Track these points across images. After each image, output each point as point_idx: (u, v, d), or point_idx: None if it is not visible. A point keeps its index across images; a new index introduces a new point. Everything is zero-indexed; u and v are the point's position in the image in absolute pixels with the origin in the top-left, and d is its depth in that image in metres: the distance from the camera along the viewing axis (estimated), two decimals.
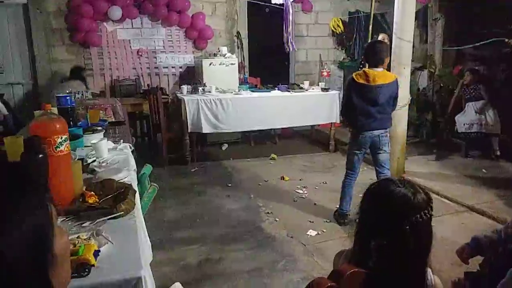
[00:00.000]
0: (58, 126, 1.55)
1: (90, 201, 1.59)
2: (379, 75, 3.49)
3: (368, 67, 3.57)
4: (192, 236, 3.60)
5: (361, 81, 3.54)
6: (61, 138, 1.53)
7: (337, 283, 1.10)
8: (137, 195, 1.80)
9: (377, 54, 3.52)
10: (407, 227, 1.13)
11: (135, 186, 1.90)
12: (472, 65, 6.77)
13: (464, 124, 5.77)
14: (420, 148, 6.30)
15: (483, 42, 5.35)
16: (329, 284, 1.09)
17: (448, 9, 7.19)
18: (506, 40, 4.12)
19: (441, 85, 6.83)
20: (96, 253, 1.28)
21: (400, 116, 4.79)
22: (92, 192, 1.64)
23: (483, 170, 5.26)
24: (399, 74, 4.28)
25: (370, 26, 6.20)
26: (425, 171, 5.29)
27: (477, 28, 7.03)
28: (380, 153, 3.71)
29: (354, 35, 7.96)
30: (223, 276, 3.00)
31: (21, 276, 0.60)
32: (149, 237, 3.38)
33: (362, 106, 3.59)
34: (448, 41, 7.22)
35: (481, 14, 7.30)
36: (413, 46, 7.10)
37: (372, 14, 5.97)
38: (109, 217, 1.54)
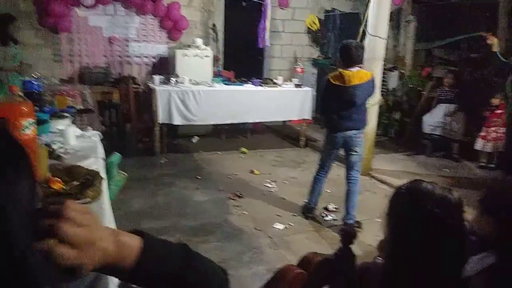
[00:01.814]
0: (24, 108, 1.51)
1: (55, 187, 1.56)
2: (354, 75, 3.47)
3: (343, 68, 3.54)
4: (159, 227, 3.58)
5: (337, 82, 3.52)
6: (28, 121, 1.49)
7: (306, 270, 1.12)
8: (105, 182, 1.78)
9: (351, 54, 3.50)
10: (449, 220, 1.11)
11: (102, 173, 1.88)
12: (441, 68, 6.99)
13: (429, 125, 5.95)
14: (387, 146, 6.46)
15: (454, 39, 5.46)
16: (297, 271, 1.10)
17: (421, 12, 7.39)
18: (484, 34, 4.24)
19: (410, 86, 7.02)
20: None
21: (371, 114, 4.87)
22: (57, 178, 1.61)
23: (446, 170, 5.46)
24: (371, 70, 4.35)
25: (362, 27, 6.17)
26: (391, 168, 5.43)
27: (448, 33, 7.25)
28: (351, 154, 3.69)
29: (329, 33, 8.05)
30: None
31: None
32: (116, 227, 3.36)
33: (338, 107, 3.59)
34: (419, 43, 7.42)
35: (453, 19, 7.54)
36: (386, 47, 7.30)
37: (366, 15, 5.83)
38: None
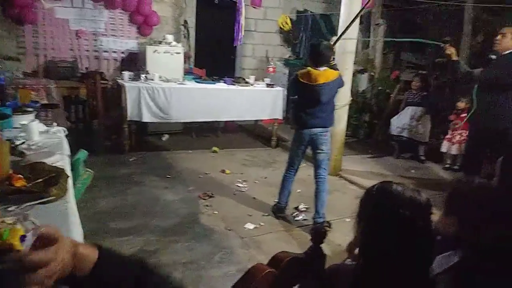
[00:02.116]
0: None
1: (17, 184, 1.48)
2: (321, 74, 3.53)
3: (312, 67, 3.59)
4: (127, 227, 3.48)
5: (304, 80, 3.58)
6: None
7: (276, 269, 1.10)
8: (70, 180, 1.70)
9: (320, 54, 3.55)
10: (419, 222, 1.12)
11: (68, 171, 1.80)
12: (409, 71, 7.17)
13: (396, 127, 6.07)
14: (357, 148, 6.56)
15: (416, 40, 5.58)
16: (267, 270, 1.09)
17: (390, 16, 7.54)
18: (442, 45, 4.35)
19: (379, 88, 7.15)
20: (22, 238, 1.19)
21: (340, 116, 4.95)
22: (20, 175, 1.52)
23: (412, 171, 5.59)
24: (341, 71, 4.40)
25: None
26: (360, 169, 5.51)
27: (415, 37, 7.43)
28: (318, 152, 3.72)
29: (301, 34, 8.10)
30: (157, 268, 2.93)
31: None
32: (82, 227, 3.25)
33: (304, 105, 3.65)
34: (388, 47, 7.57)
35: (421, 24, 7.75)
36: (356, 50, 7.41)
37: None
38: (39, 201, 1.44)
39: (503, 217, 1.45)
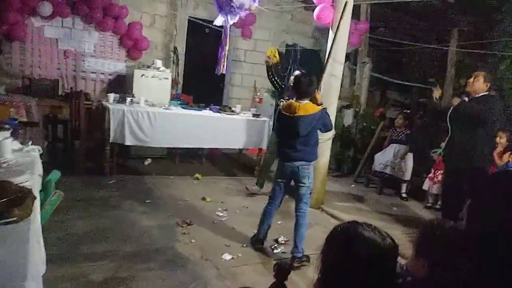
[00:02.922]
0: None
1: None
2: (301, 107, 3.53)
3: (295, 99, 3.61)
4: (100, 252, 3.37)
5: (285, 112, 3.61)
6: None
7: None
8: (37, 201, 1.63)
9: (302, 87, 3.58)
10: (379, 271, 1.12)
11: (36, 191, 1.73)
12: (393, 109, 7.29)
13: (380, 163, 6.11)
14: (340, 182, 6.56)
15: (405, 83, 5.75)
16: None
17: (376, 55, 7.73)
18: (433, 88, 4.55)
19: (364, 124, 7.23)
20: None
21: (324, 149, 4.96)
22: None
23: (394, 208, 5.58)
24: (327, 106, 4.44)
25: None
26: (343, 203, 5.48)
27: (400, 76, 7.62)
28: (299, 186, 3.67)
29: (289, 67, 8.21)
30: None
31: None
32: (53, 250, 3.14)
33: (285, 137, 3.67)
34: (375, 85, 7.73)
35: (406, 64, 7.95)
36: (342, 86, 7.54)
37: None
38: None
39: (470, 261, 1.44)
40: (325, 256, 1.22)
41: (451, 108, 4.26)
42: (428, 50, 7.11)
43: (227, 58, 5.14)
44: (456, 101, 4.30)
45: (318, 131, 3.69)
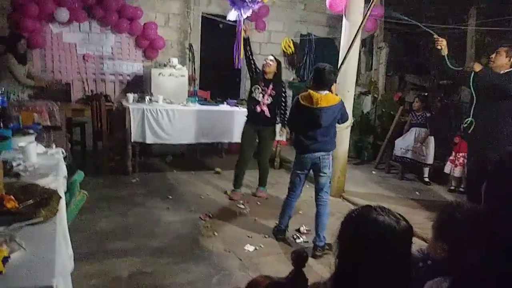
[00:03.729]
0: None
1: (9, 205, 1.50)
2: (322, 98, 3.51)
3: (314, 90, 3.59)
4: (126, 248, 3.48)
5: (305, 103, 3.58)
6: None
7: None
8: (62, 202, 1.72)
9: (323, 77, 3.55)
10: (393, 255, 1.13)
11: (61, 192, 1.82)
12: (413, 93, 7.18)
13: (401, 148, 6.05)
14: (360, 169, 6.53)
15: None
16: None
17: (393, 39, 7.61)
18: (435, 35, 4.33)
19: (383, 110, 7.16)
20: (5, 260, 1.20)
21: (343, 137, 4.95)
22: (12, 197, 1.55)
23: (417, 193, 5.54)
24: (343, 97, 4.43)
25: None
26: (363, 191, 5.47)
27: (418, 59, 7.49)
28: (320, 175, 3.70)
29: (305, 57, 8.18)
30: None
31: None
32: (80, 248, 3.27)
33: (305, 128, 3.64)
34: (391, 69, 7.62)
35: (423, 46, 7.79)
36: (360, 72, 7.47)
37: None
38: (27, 222, 1.46)
39: (489, 243, 1.44)
40: (340, 241, 1.24)
41: (473, 74, 4.09)
42: (446, 31, 6.96)
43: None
44: (478, 67, 4.13)
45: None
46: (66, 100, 5.97)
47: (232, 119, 5.91)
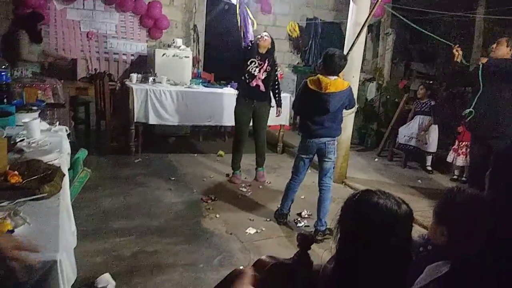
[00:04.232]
0: None
1: (12, 181, 1.50)
2: (331, 83, 3.47)
3: (323, 75, 3.54)
4: (128, 227, 3.50)
5: (313, 87, 3.53)
6: None
7: (260, 273, 1.09)
8: (66, 178, 1.71)
9: (333, 63, 3.49)
10: (393, 239, 1.12)
11: (64, 169, 1.81)
12: (418, 81, 7.12)
13: (404, 136, 6.02)
14: (363, 156, 6.52)
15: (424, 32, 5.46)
16: (249, 274, 1.08)
17: (400, 25, 7.50)
18: (452, 44, 4.39)
19: (387, 97, 7.11)
20: (9, 233, 1.20)
21: (346, 123, 4.91)
22: (16, 172, 1.54)
23: (419, 181, 5.53)
24: (348, 80, 4.38)
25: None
26: (365, 177, 5.47)
27: (425, 46, 7.40)
28: (325, 160, 3.69)
29: (310, 41, 8.10)
30: (157, 269, 2.94)
31: None
32: (84, 226, 3.29)
33: (312, 113, 3.61)
34: (397, 56, 7.54)
35: (431, 32, 7.69)
36: (365, 58, 7.40)
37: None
38: (31, 198, 1.45)
39: (491, 228, 1.43)
40: (341, 225, 1.22)
41: (481, 65, 4.08)
42: (455, 19, 6.86)
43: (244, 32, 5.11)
44: (484, 59, 4.16)
45: None
46: (72, 78, 5.93)
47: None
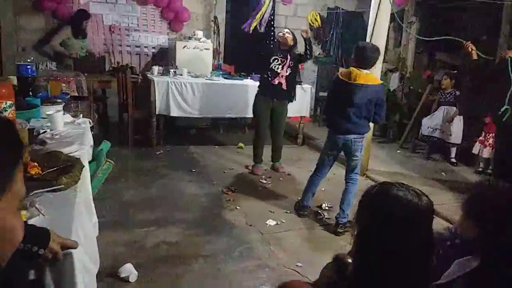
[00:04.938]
0: (3, 91, 1.47)
1: (32, 172, 1.53)
2: (361, 76, 3.39)
3: (355, 67, 3.46)
4: (150, 218, 3.55)
5: (343, 78, 3.48)
6: (6, 103, 1.46)
7: None
8: (86, 170, 1.74)
9: (365, 55, 3.42)
10: (415, 232, 1.10)
11: (85, 161, 1.84)
12: (442, 72, 6.94)
13: (428, 127, 5.90)
14: (385, 148, 6.43)
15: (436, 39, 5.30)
16: None
17: (424, 13, 7.32)
18: (464, 42, 4.22)
19: (410, 87, 6.97)
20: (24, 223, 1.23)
21: None
22: (36, 163, 1.57)
23: (442, 173, 5.42)
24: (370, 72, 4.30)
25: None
26: (387, 170, 5.39)
27: (451, 35, 7.17)
28: (351, 158, 3.63)
29: (331, 31, 7.99)
30: (178, 259, 2.98)
31: None
32: (107, 217, 3.35)
33: (339, 106, 3.53)
34: (421, 46, 7.36)
35: (456, 22, 7.48)
36: (387, 48, 7.24)
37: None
38: (48, 189, 1.48)
39: None
40: (359, 219, 1.21)
41: (510, 59, 3.89)
42: (481, 6, 6.64)
43: (261, 20, 5.05)
44: (511, 52, 3.97)
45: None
46: (100, 71, 6.04)
47: None
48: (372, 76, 3.49)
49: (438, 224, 3.94)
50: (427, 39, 5.30)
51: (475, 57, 4.09)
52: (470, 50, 4.09)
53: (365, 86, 3.39)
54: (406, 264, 1.11)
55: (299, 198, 3.96)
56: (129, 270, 2.67)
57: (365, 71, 3.43)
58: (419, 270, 1.14)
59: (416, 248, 1.12)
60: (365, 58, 3.43)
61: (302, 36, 4.69)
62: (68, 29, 5.87)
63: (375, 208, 1.17)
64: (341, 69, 3.63)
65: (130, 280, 2.63)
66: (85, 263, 1.27)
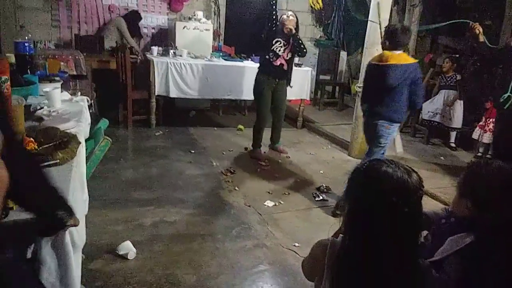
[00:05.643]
0: None
1: (28, 147, 1.52)
2: (393, 56, 3.29)
3: (387, 49, 3.37)
4: (149, 198, 3.57)
5: (374, 61, 3.43)
6: (0, 78, 1.45)
7: None
8: (82, 146, 1.74)
9: (396, 37, 3.31)
10: (405, 209, 1.10)
11: (81, 138, 1.84)
12: (445, 56, 6.88)
13: (428, 112, 5.88)
14: None
15: (439, 25, 5.24)
16: None
17: None
18: (470, 23, 4.17)
19: None
20: None
21: None
22: (32, 139, 1.57)
23: (441, 158, 5.43)
24: (371, 55, 4.26)
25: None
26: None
27: (453, 19, 7.09)
28: (374, 142, 3.50)
29: (333, 14, 7.90)
30: (176, 238, 3.00)
31: None
32: (106, 196, 3.37)
33: (372, 90, 3.47)
34: (425, 30, 7.27)
35: (461, 6, 7.38)
36: None
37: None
38: (43, 164, 1.48)
39: None
40: (349, 195, 1.21)
41: None
42: None
43: None
44: None
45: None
46: (99, 51, 5.99)
47: None
48: (405, 55, 3.39)
49: (437, 207, 3.96)
50: (432, 26, 5.17)
51: (481, 39, 4.05)
52: (477, 32, 4.04)
53: (399, 65, 3.26)
54: (394, 240, 1.12)
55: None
56: (127, 248, 2.70)
57: (397, 52, 3.33)
58: (408, 245, 1.15)
59: (405, 224, 1.13)
60: (397, 40, 3.32)
61: (286, 34, 4.55)
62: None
63: (365, 184, 1.17)
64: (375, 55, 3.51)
65: (128, 258, 2.66)
66: (75, 239, 1.29)
